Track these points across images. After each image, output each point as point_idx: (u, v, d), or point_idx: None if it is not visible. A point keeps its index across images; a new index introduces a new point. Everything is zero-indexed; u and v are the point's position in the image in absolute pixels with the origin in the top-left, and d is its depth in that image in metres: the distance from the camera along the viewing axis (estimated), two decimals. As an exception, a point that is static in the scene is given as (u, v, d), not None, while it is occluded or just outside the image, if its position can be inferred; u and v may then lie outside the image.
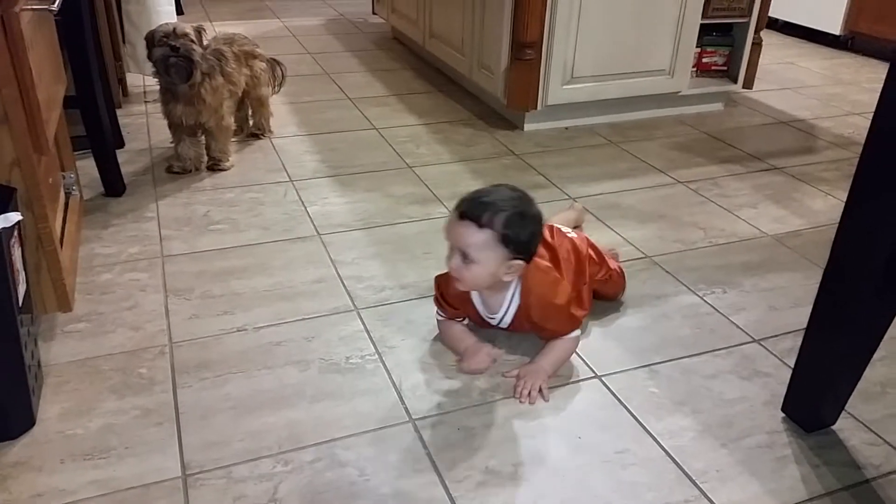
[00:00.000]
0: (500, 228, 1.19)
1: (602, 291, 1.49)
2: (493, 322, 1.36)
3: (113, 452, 1.12)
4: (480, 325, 1.39)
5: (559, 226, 1.47)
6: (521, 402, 1.24)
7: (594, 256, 1.45)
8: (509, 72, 2.38)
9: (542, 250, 1.34)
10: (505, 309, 1.33)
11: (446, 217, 1.85)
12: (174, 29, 1.91)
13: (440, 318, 1.40)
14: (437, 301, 1.39)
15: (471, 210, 1.21)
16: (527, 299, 1.30)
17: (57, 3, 1.35)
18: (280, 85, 2.40)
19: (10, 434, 1.13)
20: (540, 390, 1.25)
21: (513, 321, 1.34)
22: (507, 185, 1.28)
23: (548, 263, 1.33)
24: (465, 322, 1.40)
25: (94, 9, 2.20)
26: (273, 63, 2.35)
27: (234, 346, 1.37)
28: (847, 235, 1.05)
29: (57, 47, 1.60)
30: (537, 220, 1.25)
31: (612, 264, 1.51)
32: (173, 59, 1.90)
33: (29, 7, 1.26)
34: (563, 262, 1.37)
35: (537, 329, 1.34)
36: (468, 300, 1.35)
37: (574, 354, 1.37)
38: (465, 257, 1.21)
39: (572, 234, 1.46)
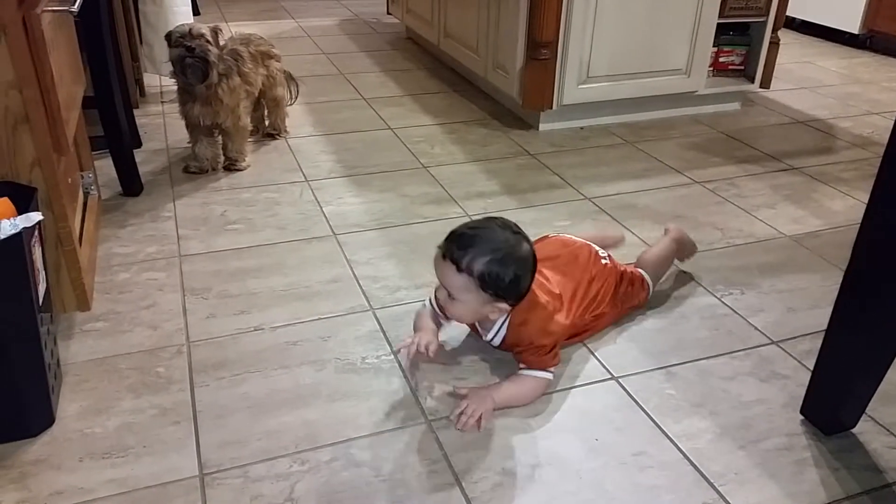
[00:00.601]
0: (478, 274, 1.15)
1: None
2: (487, 339, 1.31)
3: (131, 451, 1.13)
4: (477, 337, 1.36)
5: (597, 249, 1.45)
6: (454, 425, 1.18)
7: (624, 284, 1.43)
8: (524, 71, 2.37)
9: (553, 277, 1.32)
10: (496, 331, 1.28)
11: (461, 217, 1.87)
12: (190, 30, 1.92)
13: (426, 307, 1.37)
14: (433, 301, 1.34)
15: (451, 252, 1.17)
16: (515, 328, 1.26)
17: (77, 4, 1.37)
18: (294, 98, 2.41)
19: (30, 432, 1.14)
20: (480, 419, 1.17)
21: (502, 342, 1.30)
22: (498, 220, 1.22)
23: (546, 297, 1.27)
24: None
25: (112, 10, 2.21)
26: (288, 76, 2.36)
27: (250, 345, 1.38)
28: (869, 236, 1.04)
29: (76, 48, 1.61)
30: (524, 262, 1.19)
31: (639, 283, 1.47)
32: (189, 59, 1.91)
33: (50, 9, 1.28)
34: (578, 293, 1.34)
35: (515, 353, 1.29)
36: None
37: (590, 355, 1.36)
38: (450, 294, 1.20)
39: (605, 261, 1.43)
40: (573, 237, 1.49)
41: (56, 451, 1.12)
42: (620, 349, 1.39)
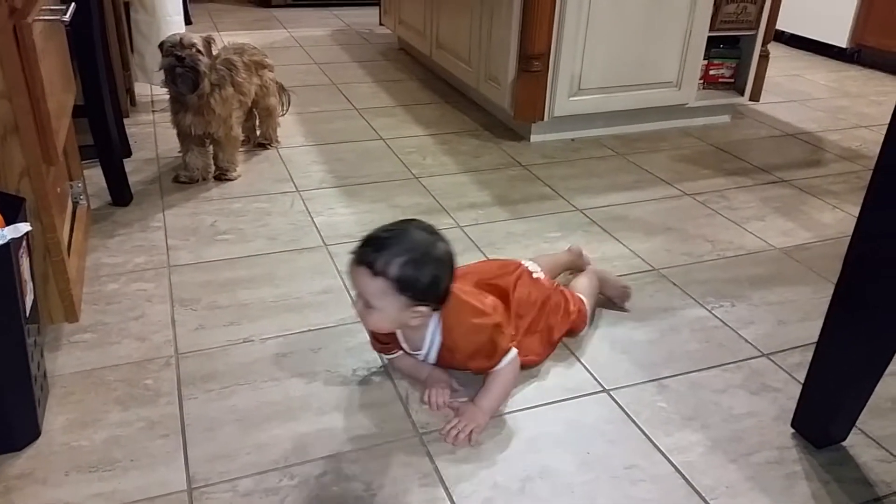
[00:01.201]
0: (394, 276, 1.10)
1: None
2: (420, 358, 1.28)
3: (118, 465, 1.11)
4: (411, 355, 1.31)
5: (531, 267, 1.40)
6: (444, 440, 1.16)
7: (561, 306, 1.37)
8: (516, 83, 2.38)
9: (485, 288, 1.30)
10: (427, 346, 1.24)
11: (453, 227, 1.87)
12: (181, 39, 1.92)
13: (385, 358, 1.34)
14: (370, 336, 1.32)
15: (364, 256, 1.12)
16: (449, 338, 1.22)
17: (69, 14, 1.36)
18: (286, 109, 2.41)
19: (15, 445, 1.13)
20: (470, 433, 1.16)
21: (438, 358, 1.26)
22: (414, 221, 1.18)
23: (476, 304, 1.23)
24: (398, 354, 1.32)
25: (104, 18, 2.21)
26: (279, 87, 2.36)
27: (240, 357, 1.36)
28: (859, 249, 1.04)
29: (67, 57, 1.60)
30: (441, 262, 1.14)
31: (573, 307, 1.40)
32: (179, 69, 1.90)
33: (41, 18, 1.27)
34: (514, 306, 1.31)
35: (465, 368, 1.27)
36: (394, 335, 1.26)
37: (582, 368, 1.36)
38: (367, 303, 1.14)
39: (539, 275, 1.39)
40: (506, 258, 1.47)
41: (42, 464, 1.11)
42: (612, 361, 1.39)
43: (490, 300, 1.27)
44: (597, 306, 1.52)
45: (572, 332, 1.42)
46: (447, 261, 1.15)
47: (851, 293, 1.07)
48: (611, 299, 1.55)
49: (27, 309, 1.11)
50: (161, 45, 1.97)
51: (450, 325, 1.21)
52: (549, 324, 1.35)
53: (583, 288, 1.49)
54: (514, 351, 1.23)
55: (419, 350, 1.26)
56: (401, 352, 1.30)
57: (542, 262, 1.50)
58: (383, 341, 1.29)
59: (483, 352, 1.21)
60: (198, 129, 2.02)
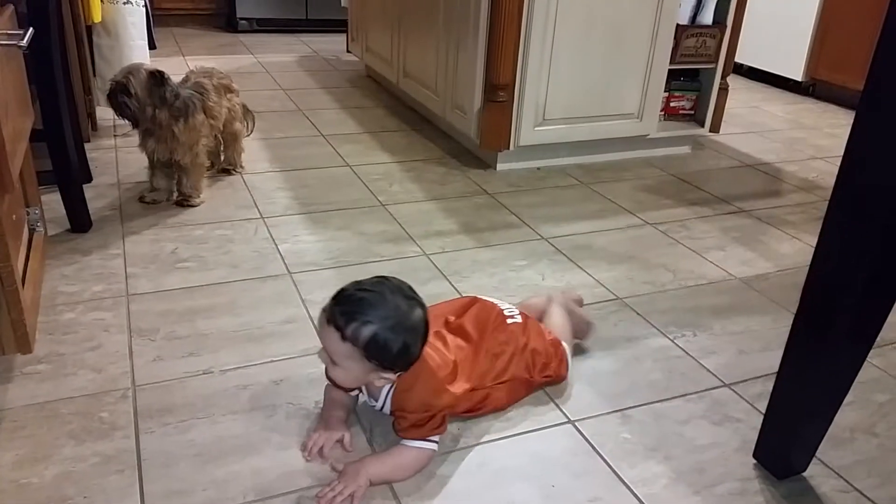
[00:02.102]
0: (363, 344, 1.07)
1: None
2: (376, 408, 1.24)
3: (70, 502, 1.07)
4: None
5: (507, 311, 1.35)
6: (318, 502, 1.09)
7: (540, 350, 1.33)
8: (482, 113, 2.40)
9: (453, 340, 1.26)
10: (383, 400, 1.21)
11: (419, 256, 1.86)
12: (118, 82, 1.91)
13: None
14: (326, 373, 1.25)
15: (335, 318, 1.08)
16: (399, 394, 1.18)
17: (26, 38, 1.34)
18: (250, 131, 2.40)
19: (-39, 483, 1.08)
20: (351, 496, 1.08)
21: (392, 409, 1.22)
22: (391, 281, 1.13)
23: (438, 362, 1.19)
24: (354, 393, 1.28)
25: (65, 42, 2.17)
26: (244, 109, 2.35)
27: (198, 389, 1.33)
28: (816, 279, 1.06)
29: (25, 81, 1.57)
30: (414, 331, 1.10)
31: (553, 362, 1.35)
32: (119, 109, 1.92)
33: (-3, 43, 1.25)
34: (482, 353, 1.27)
35: (397, 418, 1.20)
36: None
37: (547, 398, 1.36)
38: (333, 360, 1.12)
39: (515, 319, 1.34)
40: (483, 297, 1.40)
41: (-12, 503, 1.07)
42: (576, 391, 1.39)
43: (452, 357, 1.23)
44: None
45: (554, 381, 1.37)
46: (420, 329, 1.12)
47: (810, 323, 1.09)
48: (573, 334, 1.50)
49: (-24, 341, 1.08)
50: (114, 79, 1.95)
51: (404, 387, 1.17)
52: (518, 372, 1.30)
53: (559, 330, 1.41)
54: (434, 445, 1.17)
55: (376, 400, 1.23)
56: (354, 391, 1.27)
57: (531, 305, 1.48)
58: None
59: (414, 426, 1.16)
60: (161, 155, 2.00)
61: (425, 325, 1.13)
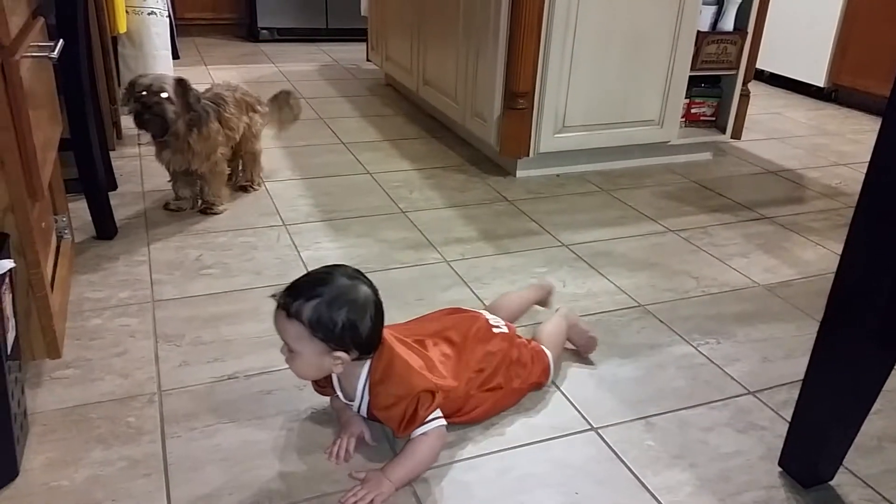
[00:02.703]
0: (306, 318, 1.08)
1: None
2: (353, 408, 1.23)
3: (98, 506, 1.09)
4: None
5: (492, 320, 1.36)
6: None
7: (523, 363, 1.33)
8: (502, 120, 2.41)
9: (441, 340, 1.27)
10: (360, 398, 1.20)
11: (439, 262, 1.87)
12: (150, 85, 1.91)
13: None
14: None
15: (282, 298, 1.11)
16: (374, 388, 1.17)
17: (57, 50, 1.36)
18: (296, 116, 2.41)
19: (-7, 486, 1.10)
20: (371, 502, 1.10)
21: (368, 412, 1.21)
22: (341, 267, 1.15)
23: (408, 353, 1.20)
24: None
25: (91, 53, 2.21)
26: (286, 95, 2.35)
27: (224, 394, 1.35)
28: (843, 285, 1.05)
29: (54, 92, 1.60)
30: (359, 306, 1.10)
31: (536, 368, 1.36)
32: (146, 115, 1.91)
33: (29, 55, 1.27)
34: (469, 361, 1.27)
35: (386, 420, 1.19)
36: (330, 379, 1.23)
37: (569, 405, 1.35)
38: (289, 348, 1.13)
39: (501, 329, 1.35)
40: (467, 308, 1.41)
41: (19, 506, 1.08)
42: (599, 399, 1.38)
43: (433, 358, 1.23)
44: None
45: (535, 388, 1.38)
46: (366, 305, 1.11)
47: (836, 330, 1.08)
48: (576, 347, 1.51)
49: (9, 345, 1.10)
50: (131, 85, 1.94)
51: (376, 379, 1.17)
52: (505, 382, 1.30)
53: (548, 338, 1.43)
54: (438, 422, 1.16)
55: (351, 401, 1.22)
56: (337, 398, 1.27)
57: (505, 304, 1.49)
58: (321, 384, 1.26)
59: (405, 417, 1.15)
60: (177, 165, 2.03)
61: (375, 305, 1.12)
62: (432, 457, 1.16)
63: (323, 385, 1.26)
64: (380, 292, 1.15)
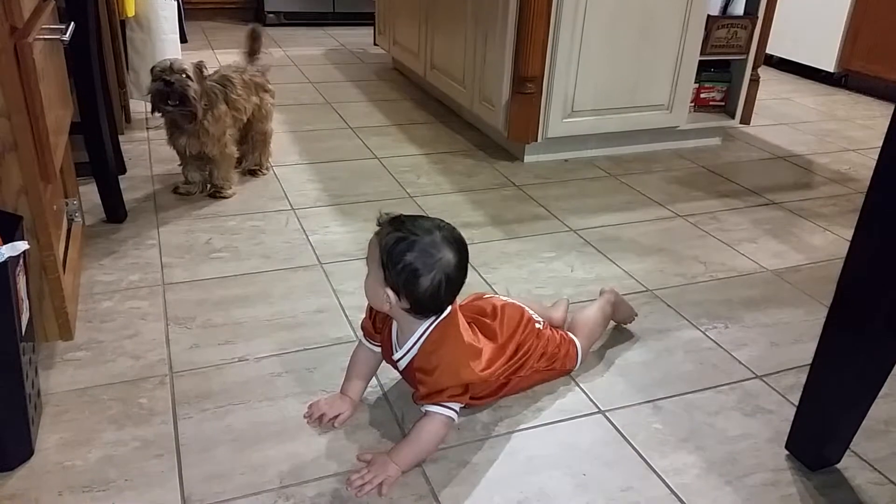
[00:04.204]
0: (384, 246, 1.10)
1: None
2: (396, 357, 1.22)
3: (112, 485, 1.10)
4: (387, 361, 1.28)
5: (532, 314, 1.36)
6: (347, 488, 1.11)
7: (554, 348, 1.35)
8: (510, 105, 2.40)
9: (486, 326, 1.27)
10: (408, 348, 1.19)
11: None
12: (171, 65, 1.91)
13: (360, 338, 1.31)
14: (366, 313, 1.28)
15: (383, 219, 1.15)
16: (426, 354, 1.17)
17: (68, 33, 1.37)
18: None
19: (8, 465, 1.12)
20: (380, 485, 1.11)
21: (408, 366, 1.21)
22: (450, 228, 1.14)
23: (469, 338, 1.20)
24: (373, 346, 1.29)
25: (100, 36, 2.21)
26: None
27: (235, 376, 1.36)
28: (853, 271, 1.05)
29: (65, 75, 1.61)
30: (431, 260, 1.09)
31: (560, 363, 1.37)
32: (170, 91, 1.90)
33: (41, 37, 1.27)
34: (504, 352, 1.27)
35: (416, 381, 1.19)
36: (389, 323, 1.23)
37: (577, 389, 1.36)
38: (368, 264, 1.15)
39: (540, 326, 1.35)
40: (510, 299, 1.40)
41: (34, 484, 1.10)
42: (607, 382, 1.39)
43: (479, 347, 1.24)
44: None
45: (558, 374, 1.39)
46: (438, 266, 1.10)
47: (845, 315, 1.08)
48: (618, 321, 1.55)
49: (23, 327, 1.11)
50: (152, 70, 1.96)
51: (430, 347, 1.17)
52: (532, 372, 1.32)
53: (583, 327, 1.43)
54: (450, 411, 1.16)
55: (401, 348, 1.21)
56: (375, 347, 1.28)
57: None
58: (378, 324, 1.25)
59: (432, 391, 1.16)
60: (192, 149, 2.03)
61: (447, 275, 1.11)
62: (436, 442, 1.17)
63: (378, 329, 1.25)
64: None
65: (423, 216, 1.16)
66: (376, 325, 1.26)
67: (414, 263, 1.09)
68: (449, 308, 1.17)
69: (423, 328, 1.17)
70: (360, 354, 1.31)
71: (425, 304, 1.13)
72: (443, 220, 1.15)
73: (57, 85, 1.45)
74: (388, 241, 1.10)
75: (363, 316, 1.28)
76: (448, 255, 1.11)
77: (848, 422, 1.17)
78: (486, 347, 1.25)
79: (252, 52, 2.30)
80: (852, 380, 1.11)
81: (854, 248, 1.05)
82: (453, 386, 1.16)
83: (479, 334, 1.27)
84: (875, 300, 1.03)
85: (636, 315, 1.56)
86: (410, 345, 1.19)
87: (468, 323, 1.26)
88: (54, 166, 1.29)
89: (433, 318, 1.17)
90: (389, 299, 1.12)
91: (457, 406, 1.17)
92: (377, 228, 1.14)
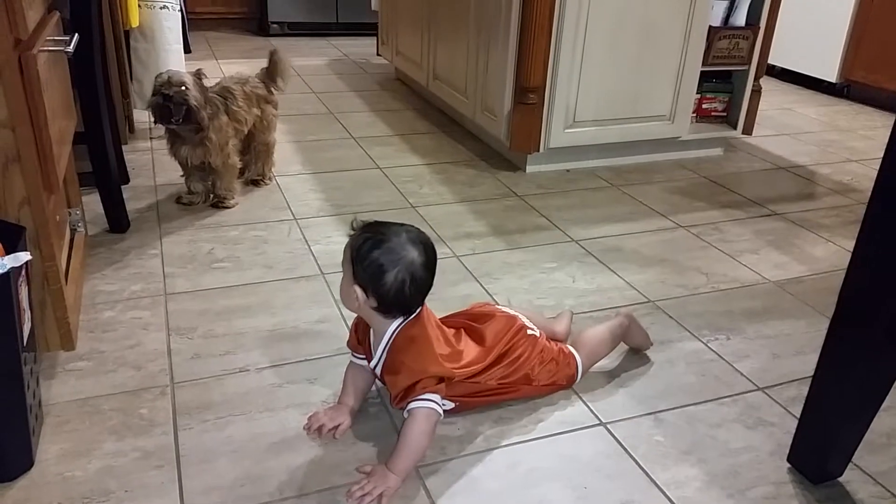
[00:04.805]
0: (354, 244, 1.17)
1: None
2: (373, 365, 1.24)
3: (112, 496, 1.10)
4: (371, 372, 1.28)
5: (526, 321, 1.36)
6: (347, 500, 1.11)
7: (551, 359, 1.35)
8: (512, 115, 2.41)
9: (475, 330, 1.28)
10: (379, 355, 1.22)
11: (449, 257, 1.87)
12: (169, 78, 1.92)
13: (350, 355, 1.32)
14: (351, 328, 1.31)
15: (355, 224, 1.21)
16: (393, 354, 1.20)
17: (73, 44, 1.37)
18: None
19: (9, 475, 1.12)
20: (380, 496, 1.11)
21: (382, 370, 1.23)
22: (418, 232, 1.18)
23: (439, 337, 1.22)
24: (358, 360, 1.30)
25: (104, 46, 2.22)
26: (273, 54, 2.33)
27: (236, 387, 1.36)
28: (855, 282, 1.05)
29: (69, 85, 1.62)
30: (397, 259, 1.13)
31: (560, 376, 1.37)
32: (170, 104, 1.91)
33: (46, 48, 1.28)
34: (494, 353, 1.28)
35: (388, 385, 1.22)
36: (369, 333, 1.25)
37: (579, 400, 1.36)
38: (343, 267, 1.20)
39: (534, 332, 1.35)
40: (510, 309, 1.39)
41: (34, 495, 1.10)
42: (608, 393, 1.39)
43: (459, 351, 1.24)
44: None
45: (555, 389, 1.37)
46: (402, 263, 1.13)
47: (847, 327, 1.08)
48: (632, 346, 1.52)
49: (24, 337, 1.11)
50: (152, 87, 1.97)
51: (397, 345, 1.19)
52: (526, 380, 1.32)
53: (586, 344, 1.42)
54: (430, 403, 1.16)
55: (375, 355, 1.23)
56: (362, 361, 1.28)
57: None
58: (358, 339, 1.28)
59: (404, 389, 1.17)
60: (195, 159, 2.04)
61: (412, 274, 1.14)
62: (426, 439, 1.16)
63: (360, 340, 1.27)
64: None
65: (394, 222, 1.21)
66: (359, 337, 1.28)
67: (379, 259, 1.14)
68: (418, 310, 1.20)
69: (392, 329, 1.20)
70: (351, 370, 1.32)
71: (391, 300, 1.16)
72: (413, 226, 1.20)
73: (61, 95, 1.46)
74: (357, 242, 1.16)
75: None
76: (413, 254, 1.15)
77: (850, 434, 1.16)
78: (471, 350, 1.27)
79: (271, 76, 2.30)
80: (854, 392, 1.11)
81: (856, 259, 1.05)
82: (425, 378, 1.16)
83: (467, 338, 1.29)
84: (877, 311, 1.03)
85: (651, 344, 1.52)
86: (382, 347, 1.21)
87: (458, 328, 1.29)
88: (57, 177, 1.30)
89: (402, 319, 1.19)
90: (358, 297, 1.16)
91: (437, 398, 1.17)
92: (351, 233, 1.20)
